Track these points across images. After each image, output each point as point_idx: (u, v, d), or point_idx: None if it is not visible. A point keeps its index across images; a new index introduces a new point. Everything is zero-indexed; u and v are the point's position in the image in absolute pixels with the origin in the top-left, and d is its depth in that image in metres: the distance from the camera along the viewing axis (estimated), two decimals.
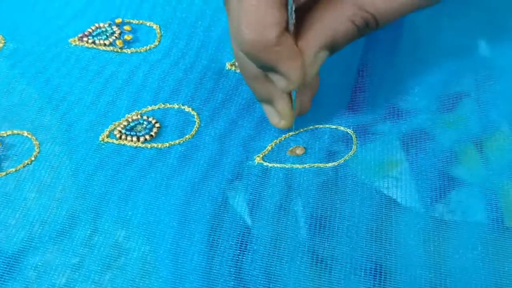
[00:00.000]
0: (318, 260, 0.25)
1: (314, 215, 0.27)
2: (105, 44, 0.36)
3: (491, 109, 0.31)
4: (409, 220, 0.26)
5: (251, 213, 0.27)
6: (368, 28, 0.26)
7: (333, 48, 0.26)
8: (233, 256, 0.26)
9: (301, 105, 0.30)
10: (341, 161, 0.29)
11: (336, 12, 0.25)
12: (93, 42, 0.36)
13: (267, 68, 0.26)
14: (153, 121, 0.31)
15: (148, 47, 0.36)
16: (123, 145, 0.30)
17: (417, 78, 0.33)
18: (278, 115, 0.29)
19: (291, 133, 0.31)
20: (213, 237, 0.26)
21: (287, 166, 0.29)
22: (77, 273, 0.25)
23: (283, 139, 0.31)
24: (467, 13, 0.36)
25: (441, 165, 0.28)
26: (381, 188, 0.28)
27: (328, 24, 0.25)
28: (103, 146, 0.30)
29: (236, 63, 0.34)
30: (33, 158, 0.30)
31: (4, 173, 0.29)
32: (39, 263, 0.26)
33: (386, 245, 0.26)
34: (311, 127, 0.31)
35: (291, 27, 0.25)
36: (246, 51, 0.24)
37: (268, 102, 0.29)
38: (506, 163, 0.28)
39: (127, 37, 0.36)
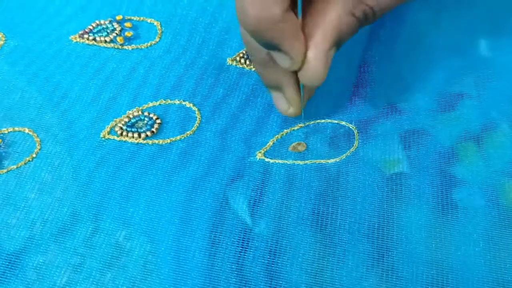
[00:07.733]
0: (319, 257, 0.25)
1: (316, 211, 0.27)
2: (105, 41, 0.36)
3: (491, 107, 0.31)
4: (411, 217, 0.26)
5: (253, 210, 0.27)
6: (367, 20, 0.26)
7: (339, 43, 0.26)
8: (235, 253, 0.26)
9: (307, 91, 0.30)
10: (343, 157, 0.29)
11: (338, 6, 0.25)
12: (94, 39, 0.36)
13: (271, 46, 0.25)
14: (154, 117, 0.31)
15: (149, 44, 0.36)
16: (124, 141, 0.30)
17: (418, 76, 0.33)
18: (286, 102, 0.29)
19: (292, 128, 0.31)
20: (215, 234, 0.26)
21: (288, 163, 0.29)
22: (78, 271, 0.25)
23: (284, 134, 0.31)
24: (468, 11, 0.36)
25: (442, 163, 0.28)
26: (383, 185, 0.28)
27: (333, 21, 0.25)
28: (104, 143, 0.30)
29: (238, 57, 0.35)
30: (34, 155, 0.30)
31: (5, 170, 0.29)
32: (40, 262, 0.26)
33: (387, 242, 0.26)
34: (312, 122, 0.31)
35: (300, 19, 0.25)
36: (251, 28, 0.24)
37: (277, 89, 0.29)
38: (507, 161, 0.28)
39: (128, 33, 0.36)
